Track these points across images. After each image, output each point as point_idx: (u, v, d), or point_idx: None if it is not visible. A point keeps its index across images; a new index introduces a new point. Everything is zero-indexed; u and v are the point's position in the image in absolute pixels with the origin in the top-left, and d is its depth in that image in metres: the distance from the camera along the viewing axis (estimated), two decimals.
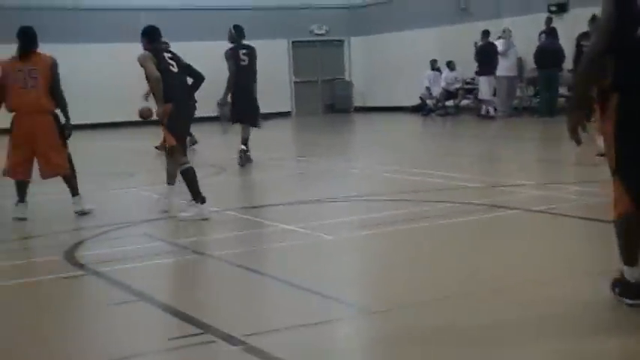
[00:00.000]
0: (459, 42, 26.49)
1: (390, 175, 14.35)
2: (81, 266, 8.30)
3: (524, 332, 5.72)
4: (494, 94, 25.64)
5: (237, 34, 15.57)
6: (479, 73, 25.98)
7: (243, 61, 15.29)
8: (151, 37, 10.99)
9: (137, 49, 11.04)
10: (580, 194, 11.26)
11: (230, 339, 5.75)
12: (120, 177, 15.45)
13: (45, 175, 11.15)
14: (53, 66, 10.96)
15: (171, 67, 10.75)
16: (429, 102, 28.13)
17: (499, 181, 12.80)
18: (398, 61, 30.84)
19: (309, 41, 33.09)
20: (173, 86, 10.65)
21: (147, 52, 10.76)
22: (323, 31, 33.05)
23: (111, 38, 28.37)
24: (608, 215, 6.02)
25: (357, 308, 6.44)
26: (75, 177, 11.19)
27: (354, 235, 9.48)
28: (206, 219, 10.29)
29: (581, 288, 6.78)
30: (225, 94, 15.51)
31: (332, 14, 32.83)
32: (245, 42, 15.63)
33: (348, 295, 6.84)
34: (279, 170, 16.91)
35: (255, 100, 16.13)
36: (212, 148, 20.78)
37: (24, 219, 10.75)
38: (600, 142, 10.24)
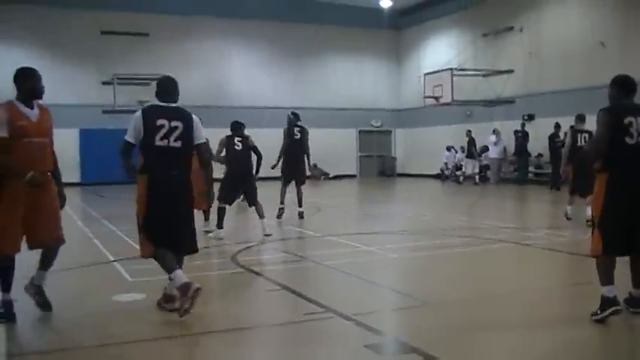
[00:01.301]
0: (464, 135, 26.43)
1: (427, 218, 14.32)
2: (242, 266, 8.45)
3: (534, 323, 5.78)
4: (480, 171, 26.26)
5: (294, 118, 13.79)
6: (467, 157, 26.47)
7: (296, 136, 13.50)
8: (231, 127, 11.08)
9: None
10: (550, 235, 11.13)
11: (343, 316, 5.88)
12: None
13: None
14: None
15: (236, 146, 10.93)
16: (445, 172, 28.06)
17: (498, 223, 12.72)
18: (425, 145, 30.83)
19: (369, 130, 33.04)
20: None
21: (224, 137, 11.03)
22: (379, 124, 33.07)
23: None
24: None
25: (422, 301, 6.48)
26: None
27: (411, 255, 9.46)
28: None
29: (563, 291, 6.83)
30: (278, 159, 13.60)
31: (384, 114, 32.95)
32: (299, 124, 13.72)
33: (415, 292, 6.91)
34: (352, 212, 16.95)
35: (303, 165, 13.82)
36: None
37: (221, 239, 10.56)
38: (588, 211, 9.90)
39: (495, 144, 25.18)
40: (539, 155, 24.47)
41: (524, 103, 25.41)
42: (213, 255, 9.52)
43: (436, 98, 26.22)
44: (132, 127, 5.82)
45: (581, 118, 12.09)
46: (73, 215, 15.40)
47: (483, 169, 26.61)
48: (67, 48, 27.15)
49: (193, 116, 6.05)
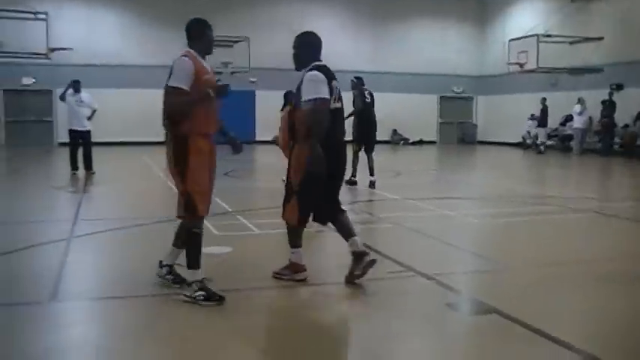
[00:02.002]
0: (550, 104, 25.87)
1: (510, 185, 14.23)
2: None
3: (607, 288, 5.81)
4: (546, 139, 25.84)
5: (358, 81, 12.96)
6: (538, 125, 26.13)
7: (368, 99, 12.70)
8: None
9: None
10: (635, 207, 10.95)
11: (424, 275, 6.03)
12: None
13: None
14: None
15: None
16: (527, 140, 27.55)
17: (572, 193, 12.58)
18: (507, 113, 30.33)
19: (450, 97, 32.63)
20: None
21: None
22: (460, 90, 32.65)
23: None
24: None
25: (501, 264, 6.58)
26: None
27: (490, 221, 9.47)
28: None
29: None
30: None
31: (466, 80, 32.48)
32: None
33: (493, 256, 6.99)
34: (431, 177, 16.92)
35: (375, 131, 13.06)
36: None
37: None
38: None
39: (580, 113, 24.53)
40: (626, 126, 23.81)
41: (612, 71, 24.64)
42: None
43: (520, 65, 25.74)
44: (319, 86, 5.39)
45: None
46: (159, 171, 15.90)
47: (566, 138, 26.07)
48: (153, 9, 27.76)
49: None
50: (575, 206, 10.66)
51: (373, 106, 12.99)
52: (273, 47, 28.30)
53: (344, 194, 10.96)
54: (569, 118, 25.67)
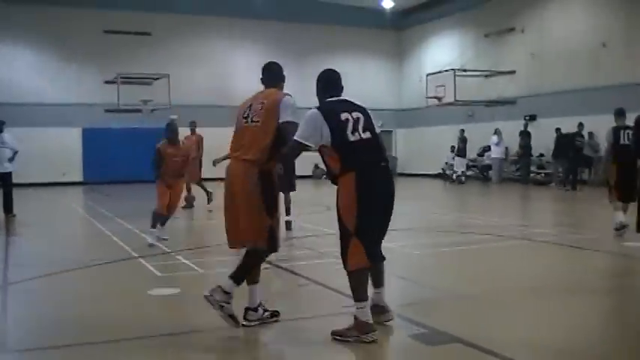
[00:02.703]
0: (467, 136, 26.57)
1: (436, 216, 14.47)
2: (266, 262, 8.50)
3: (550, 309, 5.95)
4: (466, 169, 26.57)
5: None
6: (457, 155, 26.68)
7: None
8: None
9: None
10: (562, 232, 11.27)
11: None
12: None
13: None
14: None
15: None
16: (447, 172, 28.11)
17: (500, 221, 12.87)
18: (426, 145, 31.07)
19: None
20: None
21: None
22: (380, 124, 32.78)
23: None
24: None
25: (452, 293, 6.65)
26: None
27: (431, 251, 9.58)
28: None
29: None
30: None
31: (386, 114, 32.84)
32: None
33: (442, 286, 7.06)
34: None
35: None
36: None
37: None
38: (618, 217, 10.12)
39: (497, 144, 25.36)
40: (541, 155, 24.69)
41: (526, 103, 25.64)
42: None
43: (438, 98, 26.42)
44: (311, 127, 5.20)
45: (620, 113, 10.71)
46: (85, 213, 15.55)
47: (485, 168, 26.80)
48: (70, 47, 27.24)
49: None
50: (506, 233, 10.93)
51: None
52: (194, 83, 28.25)
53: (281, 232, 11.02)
54: (486, 149, 26.47)
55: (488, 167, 26.54)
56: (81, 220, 14.94)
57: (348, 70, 31.68)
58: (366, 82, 32.20)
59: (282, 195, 11.27)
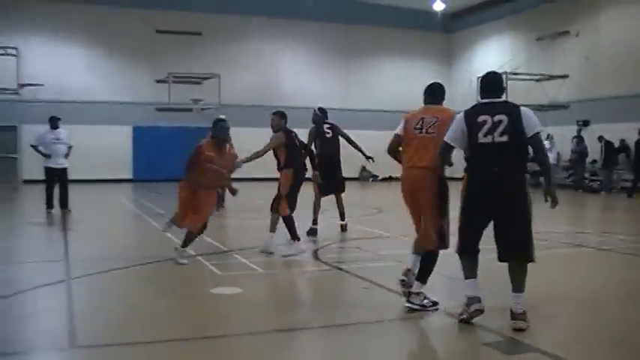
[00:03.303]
0: None
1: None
2: (329, 264, 8.49)
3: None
4: None
5: (322, 114, 11.34)
6: None
7: (327, 134, 11.25)
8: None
9: None
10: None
11: (449, 314, 5.87)
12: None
13: None
14: None
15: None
16: None
17: (556, 228, 12.59)
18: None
19: None
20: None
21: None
22: None
23: None
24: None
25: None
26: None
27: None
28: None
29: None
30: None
31: None
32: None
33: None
34: None
35: (340, 169, 11.67)
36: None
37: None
38: None
39: (549, 149, 24.90)
40: (594, 162, 24.22)
41: (579, 108, 25.17)
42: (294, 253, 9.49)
43: None
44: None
45: None
46: (138, 211, 15.67)
47: (536, 174, 26.35)
48: (122, 46, 27.58)
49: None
50: (566, 241, 10.72)
51: (338, 140, 11.57)
52: (242, 84, 28.39)
53: (331, 234, 10.95)
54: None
55: (540, 173, 26.05)
56: (135, 217, 15.03)
57: (394, 72, 31.88)
58: (414, 84, 31.68)
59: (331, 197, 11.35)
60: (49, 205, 14.62)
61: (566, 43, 26.12)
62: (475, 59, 31.22)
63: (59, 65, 26.49)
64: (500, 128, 5.44)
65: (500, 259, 5.65)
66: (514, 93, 25.23)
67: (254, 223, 13.26)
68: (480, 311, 5.49)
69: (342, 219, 11.44)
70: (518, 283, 5.54)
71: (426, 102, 6.46)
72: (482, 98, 5.82)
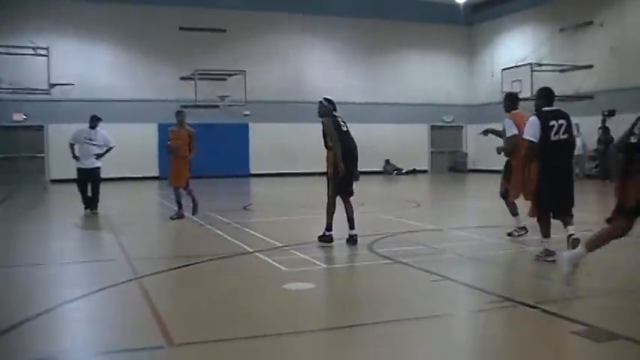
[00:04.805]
0: None
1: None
2: (386, 257, 8.58)
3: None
4: None
5: (331, 105, 9.80)
6: None
7: (344, 127, 9.65)
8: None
9: None
10: None
11: (526, 304, 5.95)
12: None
13: None
14: None
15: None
16: None
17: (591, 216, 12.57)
18: (498, 141, 30.58)
19: (441, 126, 33.01)
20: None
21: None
22: (450, 119, 33.03)
23: None
24: None
25: (594, 291, 6.59)
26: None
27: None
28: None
29: None
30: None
31: (456, 109, 32.84)
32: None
33: (579, 283, 7.00)
34: (450, 206, 16.93)
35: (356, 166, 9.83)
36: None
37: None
38: None
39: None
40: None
41: (604, 98, 25.13)
42: (346, 247, 9.53)
43: None
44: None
45: None
46: (163, 202, 15.73)
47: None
48: (146, 43, 27.79)
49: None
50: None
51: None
52: (268, 80, 28.52)
53: (374, 227, 11.00)
54: None
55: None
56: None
57: (418, 65, 31.99)
58: (437, 77, 32.16)
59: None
60: (87, 205, 14.57)
61: (590, 33, 26.08)
62: (498, 51, 31.21)
63: (86, 64, 26.72)
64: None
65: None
66: (538, 84, 25.14)
67: (295, 220, 13.38)
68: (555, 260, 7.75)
69: (352, 227, 9.69)
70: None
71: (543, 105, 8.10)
72: (545, 107, 8.06)
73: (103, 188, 14.76)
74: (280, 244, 9.62)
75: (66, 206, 16.63)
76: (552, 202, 7.93)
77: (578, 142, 24.59)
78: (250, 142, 28.96)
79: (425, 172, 32.03)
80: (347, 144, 9.56)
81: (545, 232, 7.98)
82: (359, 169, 9.87)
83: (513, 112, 9.66)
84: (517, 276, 7.73)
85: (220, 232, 11.21)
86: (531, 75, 25.13)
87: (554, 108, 7.98)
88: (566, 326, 5.36)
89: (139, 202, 18.67)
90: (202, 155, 26.91)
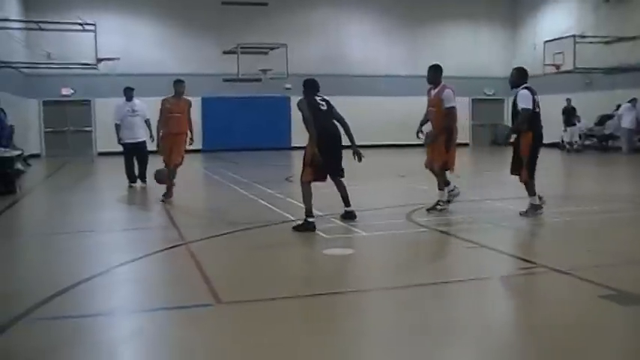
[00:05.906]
0: (584, 104, 26.17)
1: (568, 185, 14.29)
2: (425, 226, 8.87)
3: None
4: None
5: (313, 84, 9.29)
6: (566, 125, 26.20)
7: (322, 106, 9.07)
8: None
9: None
10: None
11: (558, 270, 6.16)
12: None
13: None
14: None
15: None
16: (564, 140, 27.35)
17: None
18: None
19: (482, 99, 32.91)
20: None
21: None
22: (492, 92, 32.87)
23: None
24: None
25: (620, 258, 6.81)
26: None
27: (578, 218, 9.65)
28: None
29: None
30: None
31: (498, 82, 32.51)
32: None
33: (612, 249, 7.19)
34: (490, 178, 17.06)
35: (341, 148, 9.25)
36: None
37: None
38: None
39: (628, 113, 24.33)
40: None
41: None
42: (385, 216, 9.89)
43: (557, 66, 25.94)
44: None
45: None
46: (222, 179, 16.17)
47: (603, 138, 26.12)
48: (189, 18, 28.23)
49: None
50: None
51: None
52: (309, 53, 28.72)
53: (414, 198, 11.26)
54: (605, 118, 25.76)
55: (608, 137, 25.83)
56: (221, 185, 15.29)
57: (460, 37, 31.87)
58: (479, 49, 32.02)
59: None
60: (132, 179, 14.69)
61: (637, 3, 25.69)
62: (541, 23, 30.88)
63: (130, 39, 27.27)
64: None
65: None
66: (582, 57, 25.09)
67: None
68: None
69: (348, 204, 9.48)
70: None
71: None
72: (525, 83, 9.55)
73: (150, 161, 15.04)
74: (321, 214, 9.88)
75: (114, 178, 17.12)
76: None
77: (630, 116, 24.18)
78: (292, 115, 29.24)
79: (466, 145, 31.98)
80: (324, 123, 8.95)
81: (534, 192, 9.45)
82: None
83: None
84: (549, 243, 7.95)
85: (263, 202, 11.58)
86: (574, 47, 24.90)
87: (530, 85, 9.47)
88: (596, 290, 5.57)
89: (184, 174, 19.03)
90: (245, 128, 27.80)
